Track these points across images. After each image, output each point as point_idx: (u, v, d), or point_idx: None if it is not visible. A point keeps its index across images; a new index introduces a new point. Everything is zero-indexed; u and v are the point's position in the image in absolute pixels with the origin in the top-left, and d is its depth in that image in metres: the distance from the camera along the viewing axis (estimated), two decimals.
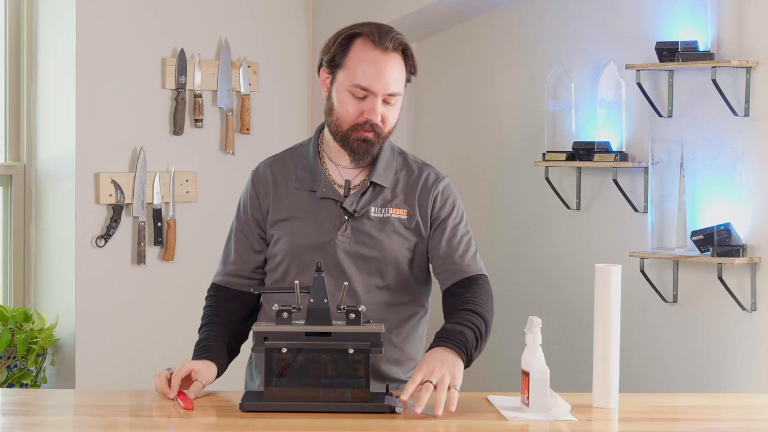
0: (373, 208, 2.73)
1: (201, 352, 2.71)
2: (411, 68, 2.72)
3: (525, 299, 4.59)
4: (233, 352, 2.79)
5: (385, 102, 2.68)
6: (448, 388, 2.47)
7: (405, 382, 2.75)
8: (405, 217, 2.74)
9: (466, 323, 2.64)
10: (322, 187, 2.74)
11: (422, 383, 2.47)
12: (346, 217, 2.71)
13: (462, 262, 2.75)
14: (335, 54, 2.70)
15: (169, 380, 2.60)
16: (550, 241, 4.52)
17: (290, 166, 2.80)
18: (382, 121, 2.69)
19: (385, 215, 2.73)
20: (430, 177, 2.79)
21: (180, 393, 2.58)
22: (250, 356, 2.86)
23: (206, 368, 2.65)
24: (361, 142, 2.69)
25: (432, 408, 2.44)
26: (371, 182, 2.74)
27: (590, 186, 4.38)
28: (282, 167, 2.80)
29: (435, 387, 2.47)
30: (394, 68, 2.67)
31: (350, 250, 2.70)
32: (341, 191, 2.74)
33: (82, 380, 4.25)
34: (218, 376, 2.70)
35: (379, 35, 2.68)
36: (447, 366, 2.51)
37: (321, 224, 2.72)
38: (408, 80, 2.74)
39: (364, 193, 2.74)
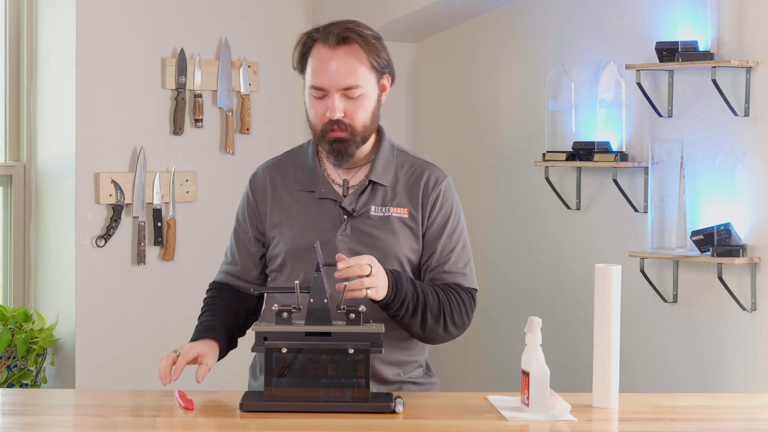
0: (373, 207, 2.73)
1: (203, 330, 2.72)
2: (374, 58, 2.68)
3: (525, 299, 4.59)
4: (232, 342, 2.79)
5: (346, 97, 2.67)
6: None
7: (409, 383, 2.76)
8: (406, 215, 2.74)
9: (419, 291, 2.66)
10: (321, 187, 2.74)
11: (358, 265, 2.53)
12: (345, 217, 2.71)
13: (452, 272, 2.77)
14: (297, 60, 2.73)
15: (174, 363, 2.61)
16: (550, 241, 4.52)
17: (289, 168, 2.81)
18: (348, 116, 2.67)
19: (386, 214, 2.73)
20: (431, 177, 2.78)
21: (180, 393, 2.58)
22: (255, 356, 2.87)
23: (211, 351, 2.67)
24: (336, 143, 2.69)
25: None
26: (370, 181, 2.74)
27: (590, 186, 4.38)
28: (281, 169, 2.81)
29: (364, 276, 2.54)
30: (344, 62, 2.66)
31: (350, 249, 2.70)
32: (340, 191, 2.74)
33: (82, 380, 4.25)
34: (218, 359, 2.71)
35: (327, 33, 2.68)
36: (380, 278, 2.57)
37: (320, 224, 2.72)
38: (378, 71, 2.70)
39: (362, 192, 2.74)
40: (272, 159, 2.87)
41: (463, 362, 4.81)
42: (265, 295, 2.84)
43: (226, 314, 2.79)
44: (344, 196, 2.73)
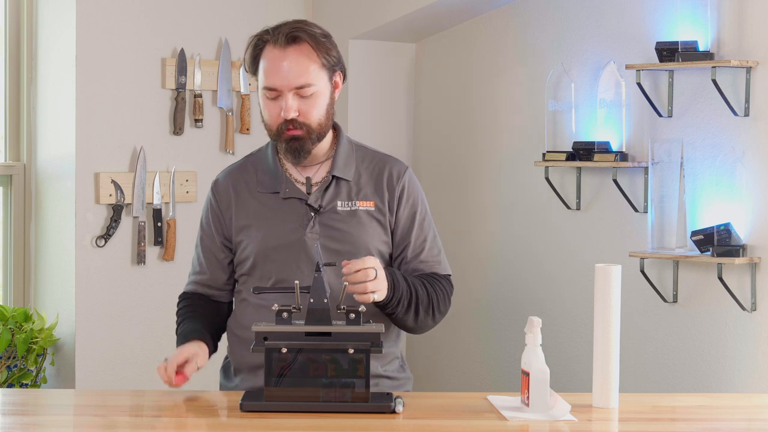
0: (339, 202, 2.75)
1: (190, 333, 2.75)
2: (325, 56, 2.69)
3: (525, 299, 4.59)
4: (215, 346, 2.81)
5: (299, 96, 2.68)
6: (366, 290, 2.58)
7: (384, 377, 2.77)
8: (373, 208, 2.77)
9: (412, 287, 2.70)
10: (285, 187, 2.76)
11: (363, 270, 2.55)
12: (312, 214, 2.72)
13: (428, 261, 2.80)
14: (249, 63, 2.74)
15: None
16: (550, 241, 4.52)
17: (251, 172, 2.82)
18: (302, 115, 2.68)
19: (353, 208, 2.75)
20: (393, 170, 2.81)
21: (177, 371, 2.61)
22: (225, 357, 2.88)
23: (201, 351, 2.69)
24: (292, 141, 2.71)
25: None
26: (333, 176, 2.76)
27: (590, 186, 4.38)
28: (243, 174, 2.83)
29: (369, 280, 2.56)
30: (295, 61, 2.67)
31: (321, 245, 2.71)
32: (304, 189, 2.75)
33: (82, 380, 4.25)
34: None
35: (276, 34, 2.69)
36: (380, 281, 2.59)
37: (288, 224, 2.73)
38: (329, 68, 2.71)
39: (327, 189, 2.76)
40: (232, 164, 2.89)
41: (463, 362, 4.81)
42: (235, 297, 2.85)
43: (205, 320, 2.81)
44: (308, 194, 2.74)
